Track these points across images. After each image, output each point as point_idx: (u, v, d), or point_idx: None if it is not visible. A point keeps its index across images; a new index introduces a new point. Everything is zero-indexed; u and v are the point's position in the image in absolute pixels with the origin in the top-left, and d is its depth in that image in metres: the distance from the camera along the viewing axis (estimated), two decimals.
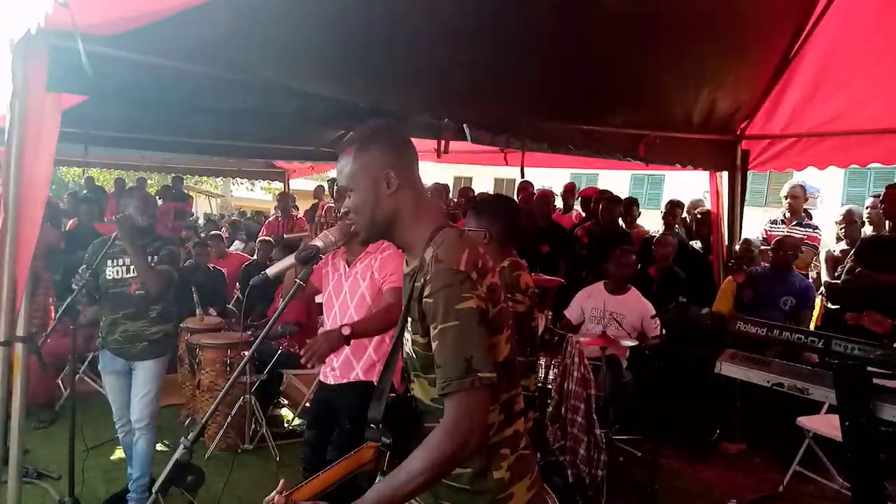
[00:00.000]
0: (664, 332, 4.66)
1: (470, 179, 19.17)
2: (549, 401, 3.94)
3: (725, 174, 5.98)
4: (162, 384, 3.76)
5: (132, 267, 3.58)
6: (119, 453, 4.05)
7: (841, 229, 5.57)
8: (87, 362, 5.47)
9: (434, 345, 1.44)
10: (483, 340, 1.43)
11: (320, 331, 3.19)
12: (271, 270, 2.50)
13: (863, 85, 4.78)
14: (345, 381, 3.03)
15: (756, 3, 4.22)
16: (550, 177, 11.77)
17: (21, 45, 2.60)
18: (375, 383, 2.25)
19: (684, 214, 6.95)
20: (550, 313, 4.97)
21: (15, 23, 2.64)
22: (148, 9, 2.75)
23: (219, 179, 20.12)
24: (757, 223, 7.41)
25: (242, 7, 2.99)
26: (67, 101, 2.92)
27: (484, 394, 1.42)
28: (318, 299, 5.88)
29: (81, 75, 2.70)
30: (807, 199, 6.35)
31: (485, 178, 19.39)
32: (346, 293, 3.03)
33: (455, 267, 1.44)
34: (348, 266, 3.06)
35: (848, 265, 4.83)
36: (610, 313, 4.72)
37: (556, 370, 3.99)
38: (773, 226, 6.32)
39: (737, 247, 5.91)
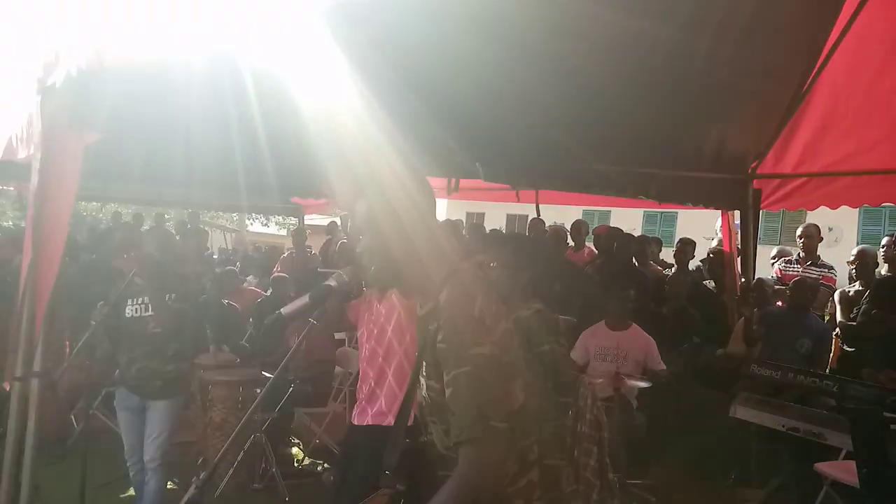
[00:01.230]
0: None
1: (482, 215, 19.24)
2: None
3: (738, 213, 5.98)
4: (176, 423, 3.77)
5: (150, 305, 3.62)
6: (129, 492, 4.02)
7: (853, 269, 5.52)
8: (100, 398, 5.48)
9: (447, 391, 1.43)
10: (496, 387, 1.42)
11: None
12: (286, 310, 2.54)
13: (874, 124, 4.80)
14: (369, 423, 3.03)
15: (765, 43, 4.27)
16: (563, 213, 11.81)
17: (50, 87, 2.69)
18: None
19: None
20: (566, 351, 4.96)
21: (44, 64, 2.74)
22: (169, 54, 2.84)
23: (234, 214, 20.34)
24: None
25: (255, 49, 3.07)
26: (88, 138, 2.99)
27: (497, 442, 1.39)
28: (337, 336, 5.94)
29: (105, 115, 2.79)
30: (821, 239, 6.32)
31: (497, 214, 19.45)
32: (373, 330, 3.07)
33: (469, 312, 1.44)
34: (379, 303, 3.09)
35: (863, 307, 4.78)
36: (614, 350, 4.70)
37: (569, 412, 3.95)
38: (788, 265, 6.29)
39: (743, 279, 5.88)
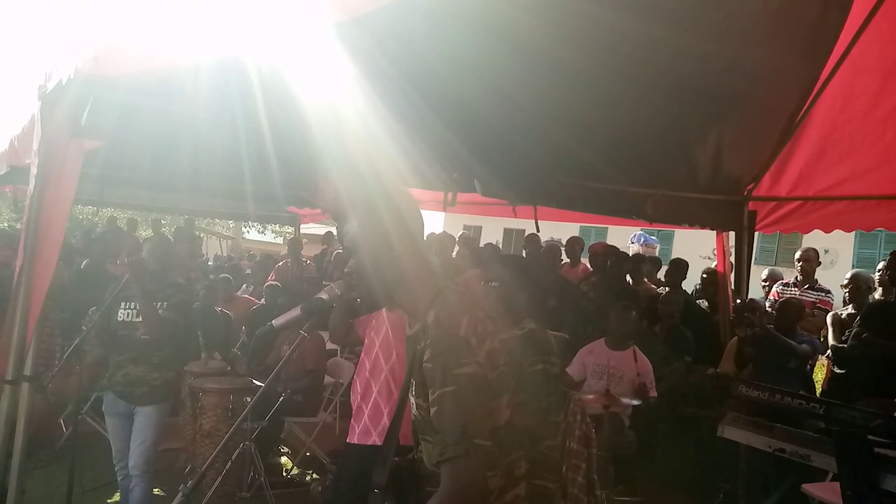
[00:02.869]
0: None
1: (479, 229, 19.31)
2: None
3: (732, 234, 6.02)
4: (161, 430, 3.76)
5: (141, 311, 3.61)
6: (116, 497, 4.01)
7: (846, 293, 5.55)
8: (89, 403, 5.47)
9: (432, 410, 1.44)
10: (480, 406, 1.43)
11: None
12: (277, 321, 2.56)
13: (867, 151, 4.85)
14: (356, 442, 3.04)
15: (762, 67, 4.32)
16: (560, 229, 11.83)
17: (50, 93, 2.71)
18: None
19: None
20: (558, 371, 4.96)
21: (45, 72, 2.77)
22: (171, 62, 2.87)
23: (230, 222, 20.33)
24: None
25: (258, 60, 3.10)
26: (87, 144, 3.01)
27: (479, 460, 1.40)
28: (329, 346, 5.95)
29: (105, 123, 2.81)
30: (819, 264, 6.34)
31: (494, 228, 19.52)
32: (366, 343, 3.09)
33: (454, 332, 1.45)
34: (375, 317, 3.11)
35: (854, 330, 4.81)
36: (610, 369, 4.72)
37: (559, 431, 3.96)
38: (785, 288, 6.32)
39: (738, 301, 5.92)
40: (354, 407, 3.06)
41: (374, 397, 2.98)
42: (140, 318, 3.63)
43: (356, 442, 3.01)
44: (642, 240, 7.65)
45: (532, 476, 1.62)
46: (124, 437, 3.71)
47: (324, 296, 2.07)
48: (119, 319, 3.67)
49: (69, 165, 2.83)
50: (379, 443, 2.90)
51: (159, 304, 3.64)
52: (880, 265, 5.67)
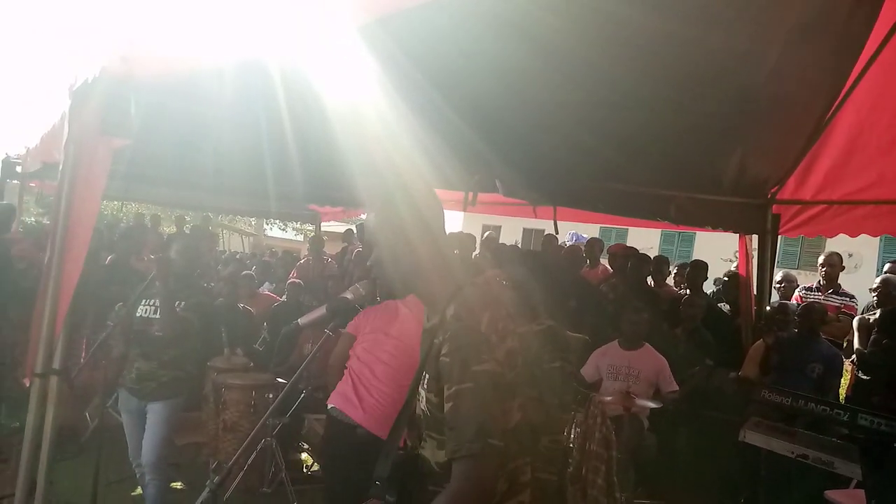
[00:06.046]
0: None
1: (499, 228, 19.26)
2: (570, 460, 3.90)
3: (756, 237, 5.96)
4: (173, 426, 3.79)
5: (159, 309, 3.65)
6: (140, 490, 4.07)
7: (874, 297, 5.46)
8: (115, 397, 5.54)
9: (447, 406, 1.41)
10: (496, 405, 1.41)
11: None
12: (303, 320, 2.57)
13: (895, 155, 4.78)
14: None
15: (791, 68, 4.27)
16: (580, 231, 11.79)
17: (80, 92, 2.76)
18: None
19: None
20: (574, 370, 4.95)
21: (75, 71, 2.82)
22: (195, 65, 2.90)
23: (252, 219, 20.49)
24: None
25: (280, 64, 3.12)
26: (115, 142, 3.05)
27: (493, 461, 1.38)
28: None
29: (133, 121, 2.85)
30: (843, 268, 6.26)
31: (514, 228, 19.48)
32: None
33: (475, 327, 1.43)
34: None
35: (874, 336, 4.75)
36: (627, 369, 4.71)
37: (577, 429, 3.96)
38: (808, 293, 6.25)
39: (768, 308, 5.86)
40: None
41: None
42: (156, 315, 3.66)
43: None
44: (575, 238, 7.75)
45: (537, 471, 1.58)
46: (138, 435, 3.73)
47: (349, 295, 2.09)
48: (138, 315, 3.72)
49: (98, 163, 2.87)
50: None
51: (179, 303, 3.67)
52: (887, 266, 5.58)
